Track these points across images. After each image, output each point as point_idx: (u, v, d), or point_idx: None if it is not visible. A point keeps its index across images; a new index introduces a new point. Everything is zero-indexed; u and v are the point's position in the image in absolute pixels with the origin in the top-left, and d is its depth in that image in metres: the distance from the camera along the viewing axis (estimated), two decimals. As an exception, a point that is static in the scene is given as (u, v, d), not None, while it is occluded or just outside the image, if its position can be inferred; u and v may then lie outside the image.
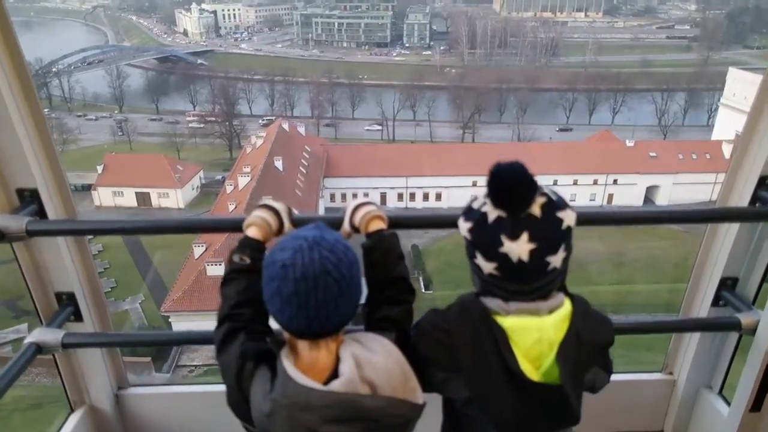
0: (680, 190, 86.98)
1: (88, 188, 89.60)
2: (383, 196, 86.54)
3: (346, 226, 2.58)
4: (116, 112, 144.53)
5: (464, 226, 2.29)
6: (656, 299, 57.01)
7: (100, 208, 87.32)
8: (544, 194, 2.29)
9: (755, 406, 3.11)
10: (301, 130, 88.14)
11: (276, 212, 2.57)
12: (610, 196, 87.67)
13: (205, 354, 47.12)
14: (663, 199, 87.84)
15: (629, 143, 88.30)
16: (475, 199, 2.26)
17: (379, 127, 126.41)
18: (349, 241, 2.11)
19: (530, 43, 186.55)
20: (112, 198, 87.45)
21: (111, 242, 76.36)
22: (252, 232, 2.45)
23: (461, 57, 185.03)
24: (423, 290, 59.34)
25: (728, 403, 3.54)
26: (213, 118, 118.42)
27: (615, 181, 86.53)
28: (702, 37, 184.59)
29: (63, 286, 3.15)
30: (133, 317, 59.86)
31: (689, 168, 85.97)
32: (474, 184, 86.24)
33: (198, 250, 50.88)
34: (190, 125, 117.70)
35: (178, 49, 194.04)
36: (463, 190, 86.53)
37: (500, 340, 2.06)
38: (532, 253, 2.11)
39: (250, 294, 2.19)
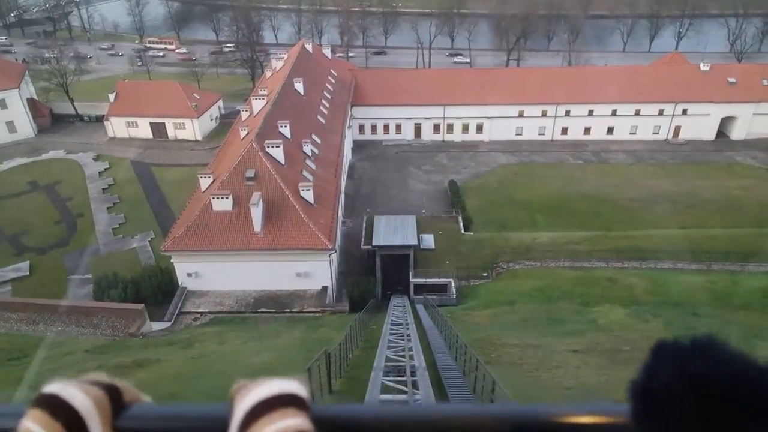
0: (761, 121, 75.55)
1: (101, 119, 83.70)
2: (418, 128, 78.02)
3: None
4: (137, 41, 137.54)
5: None
6: (738, 245, 48.14)
7: (114, 140, 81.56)
8: None
9: None
10: (327, 52, 79.14)
11: (71, 416, 1.03)
12: (677, 129, 76.86)
13: (212, 300, 41.37)
14: (740, 133, 76.62)
15: (704, 67, 76.35)
16: None
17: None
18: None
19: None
20: (126, 129, 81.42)
21: (122, 176, 71.00)
22: None
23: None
24: (462, 231, 51.81)
25: None
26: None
27: (684, 111, 75.42)
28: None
29: None
30: (141, 256, 54.75)
31: (774, 96, 74.11)
32: (520, 114, 76.70)
33: (204, 182, 44.21)
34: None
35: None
36: (508, 121, 77.24)
37: None
38: None
39: None
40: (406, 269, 46.85)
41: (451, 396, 15.98)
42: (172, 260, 41.86)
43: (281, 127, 47.79)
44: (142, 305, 35.26)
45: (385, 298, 46.33)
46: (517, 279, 43.16)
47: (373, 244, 46.37)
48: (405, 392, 13.20)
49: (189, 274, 41.68)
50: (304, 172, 45.95)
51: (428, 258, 47.50)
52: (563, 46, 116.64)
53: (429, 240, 49.50)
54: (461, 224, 52.66)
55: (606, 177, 66.44)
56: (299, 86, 58.15)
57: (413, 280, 45.53)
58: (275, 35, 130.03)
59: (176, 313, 39.80)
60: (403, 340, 18.14)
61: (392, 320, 24.76)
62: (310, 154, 49.21)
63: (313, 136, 52.76)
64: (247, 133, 47.19)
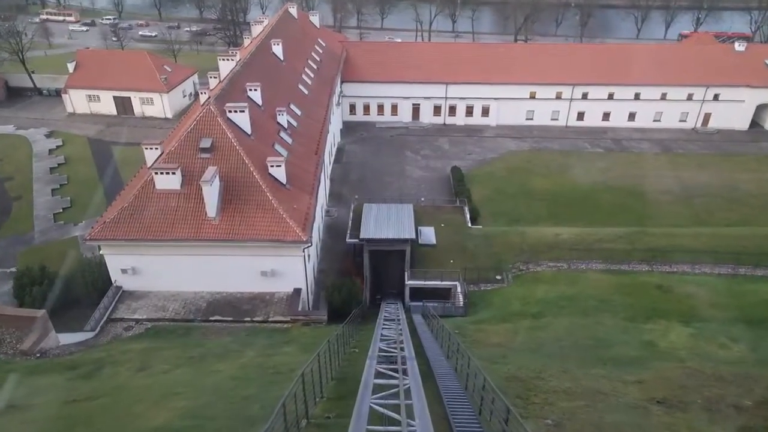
0: (800, 110, 67.38)
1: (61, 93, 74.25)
2: (416, 109, 69.12)
3: None
4: (114, 18, 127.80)
5: None
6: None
7: (74, 115, 72.18)
8: None
9: None
10: (315, 20, 69.99)
11: None
12: (707, 117, 68.44)
13: (153, 304, 32.38)
14: (777, 122, 68.44)
15: (738, 47, 67.95)
16: None
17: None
18: None
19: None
20: (87, 104, 72.04)
21: (76, 155, 61.69)
22: None
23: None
24: (469, 224, 43.09)
25: None
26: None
27: (716, 97, 66.98)
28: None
29: None
30: (83, 247, 45.71)
31: (817, 81, 65.82)
32: (532, 96, 67.97)
33: (151, 155, 35.06)
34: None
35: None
36: (517, 104, 68.49)
37: None
38: None
39: None
40: (400, 269, 38.13)
41: None
42: (101, 252, 32.89)
43: (250, 90, 38.84)
44: (42, 312, 26.22)
45: (375, 304, 37.59)
46: (540, 284, 34.48)
47: (361, 236, 37.58)
48: None
49: (124, 271, 32.72)
50: (277, 146, 37.03)
51: (428, 256, 38.76)
52: (573, 31, 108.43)
53: (429, 234, 40.78)
54: (467, 216, 43.93)
55: (631, 167, 57.95)
56: (278, 49, 49.13)
57: (409, 283, 36.74)
58: (263, 12, 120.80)
59: (104, 319, 30.85)
60: (398, 405, 9.50)
61: (380, 349, 15.91)
62: (285, 125, 40.28)
63: (292, 107, 43.85)
64: (207, 98, 38.17)
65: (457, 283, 36.08)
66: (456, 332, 25.90)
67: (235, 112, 34.37)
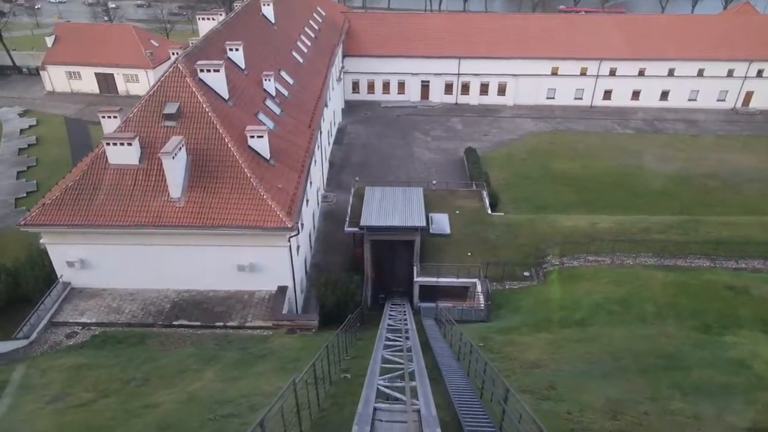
0: None
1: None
2: (425, 87, 62.76)
3: None
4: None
5: None
6: None
7: (53, 94, 66.42)
8: None
9: None
10: (315, -12, 63.76)
11: None
12: (748, 96, 61.71)
13: (106, 304, 26.50)
14: (827, 101, 61.60)
15: (786, 17, 61.16)
16: None
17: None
18: None
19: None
20: (67, 81, 66.19)
21: (50, 135, 55.97)
22: None
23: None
24: (489, 211, 36.85)
25: None
26: None
27: (759, 73, 60.22)
28: None
29: None
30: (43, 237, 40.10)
31: None
32: (554, 72, 61.45)
33: (109, 125, 28.96)
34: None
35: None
36: (537, 81, 62.00)
37: None
38: None
39: None
40: (408, 263, 32.08)
41: None
42: (41, 241, 27.06)
43: (230, 50, 32.71)
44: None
45: (378, 305, 31.57)
46: (580, 282, 28.31)
47: (361, 224, 31.51)
48: None
49: (70, 264, 26.85)
50: (261, 115, 30.93)
51: (441, 247, 32.67)
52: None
53: (442, 222, 34.64)
54: (486, 201, 37.71)
55: (668, 149, 51.54)
56: (268, 11, 42.97)
57: (419, 280, 30.68)
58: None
59: (43, 324, 25.00)
60: None
61: (379, 390, 9.79)
62: (273, 93, 34.16)
63: (283, 74, 37.71)
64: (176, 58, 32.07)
65: (476, 280, 29.98)
66: (480, 345, 19.88)
67: (209, 71, 28.28)
